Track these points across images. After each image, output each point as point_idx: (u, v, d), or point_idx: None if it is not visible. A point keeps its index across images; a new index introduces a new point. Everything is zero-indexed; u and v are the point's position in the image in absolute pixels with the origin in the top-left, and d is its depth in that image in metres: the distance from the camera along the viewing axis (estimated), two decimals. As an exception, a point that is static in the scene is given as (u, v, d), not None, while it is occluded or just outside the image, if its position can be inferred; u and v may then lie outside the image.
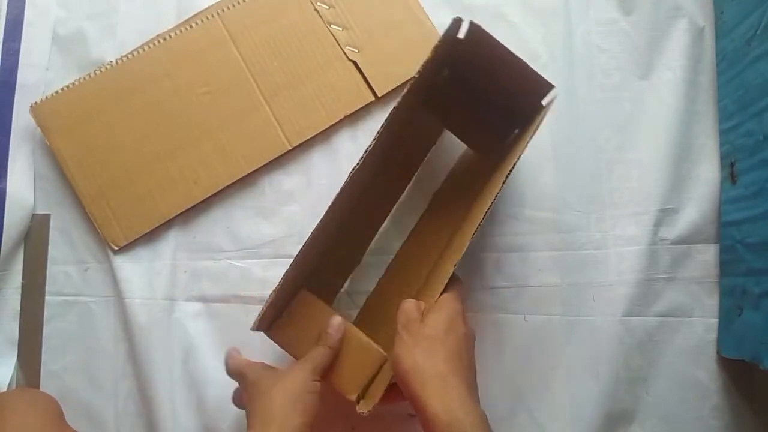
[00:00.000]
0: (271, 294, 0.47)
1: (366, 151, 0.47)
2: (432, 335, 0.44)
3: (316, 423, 0.58)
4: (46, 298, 0.61)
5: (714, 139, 0.60)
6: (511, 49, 0.63)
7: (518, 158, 0.47)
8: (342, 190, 0.48)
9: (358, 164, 0.47)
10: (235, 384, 0.51)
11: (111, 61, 0.62)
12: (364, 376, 0.49)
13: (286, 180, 0.62)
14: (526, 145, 0.48)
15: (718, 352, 0.57)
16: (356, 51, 0.63)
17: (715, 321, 0.58)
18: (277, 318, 0.51)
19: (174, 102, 0.62)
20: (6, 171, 0.62)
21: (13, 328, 0.61)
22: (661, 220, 0.59)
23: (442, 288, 0.47)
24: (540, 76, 0.50)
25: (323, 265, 0.58)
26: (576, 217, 0.60)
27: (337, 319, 0.49)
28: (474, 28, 0.50)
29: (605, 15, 0.63)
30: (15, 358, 0.60)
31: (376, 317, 0.58)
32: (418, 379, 0.42)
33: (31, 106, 0.62)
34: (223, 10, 0.63)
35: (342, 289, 0.60)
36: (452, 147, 0.62)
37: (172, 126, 0.62)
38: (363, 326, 0.52)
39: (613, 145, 0.61)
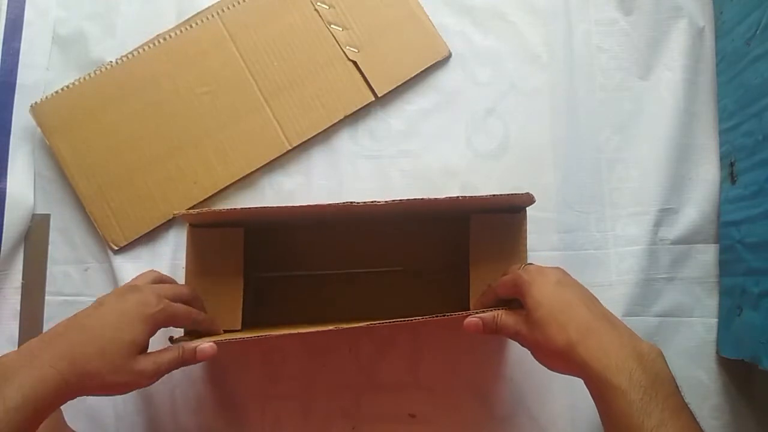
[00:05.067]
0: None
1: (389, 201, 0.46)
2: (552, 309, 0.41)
3: (316, 422, 0.58)
4: (46, 298, 0.61)
5: (714, 139, 0.60)
6: (511, 49, 0.64)
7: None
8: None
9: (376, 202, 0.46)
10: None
11: (111, 61, 0.62)
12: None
13: (286, 180, 0.62)
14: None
15: (717, 352, 0.57)
16: (356, 51, 0.63)
17: (715, 321, 0.58)
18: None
19: (174, 102, 0.62)
20: (6, 171, 0.62)
21: (13, 328, 0.61)
22: (661, 220, 0.59)
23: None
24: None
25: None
26: (576, 217, 0.60)
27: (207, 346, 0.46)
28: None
29: (605, 15, 0.63)
30: (15, 358, 0.60)
31: None
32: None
33: (31, 106, 0.62)
34: (223, 10, 0.63)
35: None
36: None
37: (172, 126, 0.62)
38: None
39: (613, 145, 0.61)
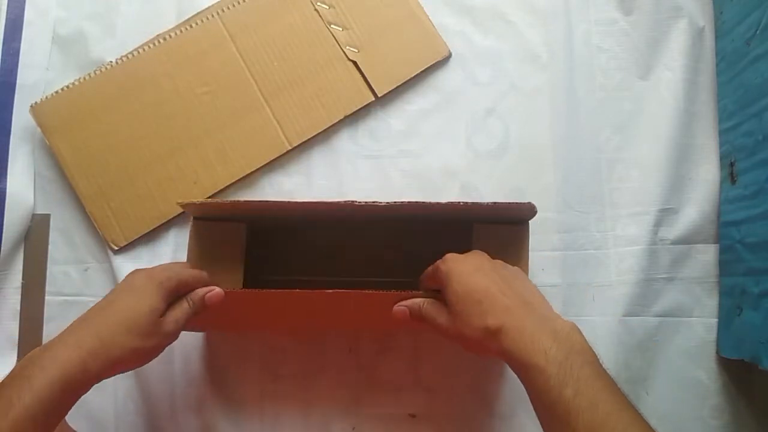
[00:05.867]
0: None
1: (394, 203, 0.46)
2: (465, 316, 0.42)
3: (316, 422, 0.58)
4: (46, 298, 0.61)
5: (714, 139, 0.60)
6: (511, 49, 0.64)
7: None
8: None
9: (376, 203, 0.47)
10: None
11: (111, 61, 0.62)
12: None
13: (286, 180, 0.62)
14: None
15: (717, 352, 0.57)
16: (356, 51, 0.63)
17: (715, 321, 0.58)
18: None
19: (174, 102, 0.62)
20: (6, 171, 0.62)
21: (13, 328, 0.61)
22: (661, 220, 0.59)
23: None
24: None
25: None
26: (576, 217, 0.60)
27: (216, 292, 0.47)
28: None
29: (605, 15, 0.63)
30: (15, 358, 0.60)
31: None
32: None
33: (31, 106, 0.62)
34: (223, 10, 0.63)
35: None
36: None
37: (172, 126, 0.62)
38: None
39: (613, 145, 0.61)
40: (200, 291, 0.47)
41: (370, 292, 0.46)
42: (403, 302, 0.46)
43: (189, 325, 0.46)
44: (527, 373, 0.37)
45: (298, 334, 0.58)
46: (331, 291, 0.45)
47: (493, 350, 0.40)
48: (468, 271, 0.43)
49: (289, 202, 0.49)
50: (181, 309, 0.45)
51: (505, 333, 0.39)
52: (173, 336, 0.45)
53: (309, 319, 0.52)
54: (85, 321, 0.43)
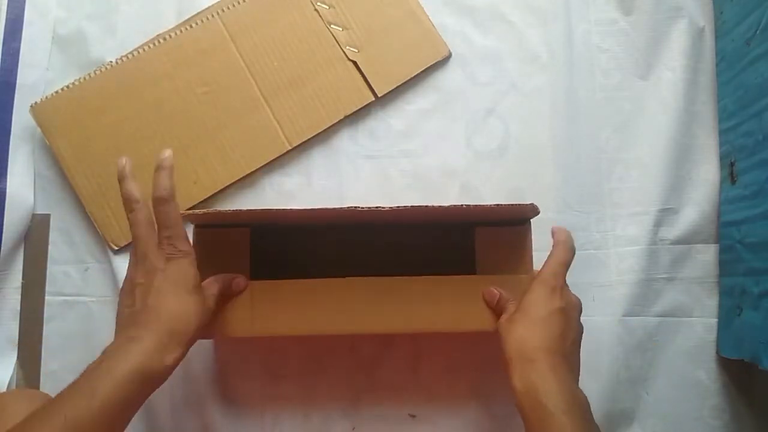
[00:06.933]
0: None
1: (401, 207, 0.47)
2: (529, 318, 0.45)
3: (316, 422, 0.58)
4: (46, 298, 0.61)
5: (714, 139, 0.60)
6: (511, 49, 0.64)
7: None
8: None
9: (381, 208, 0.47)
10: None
11: (111, 61, 0.63)
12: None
13: (286, 180, 0.62)
14: None
15: (717, 352, 0.57)
16: (356, 51, 0.63)
17: (715, 321, 0.58)
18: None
19: (174, 102, 0.62)
20: (6, 171, 0.62)
21: (13, 328, 0.61)
22: (661, 220, 0.59)
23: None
24: None
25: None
26: (576, 217, 0.60)
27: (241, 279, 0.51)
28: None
29: (605, 15, 0.63)
30: (15, 358, 0.60)
31: None
32: (518, 357, 0.44)
33: (31, 106, 0.62)
34: (223, 10, 0.63)
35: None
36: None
37: (172, 126, 0.62)
38: None
39: (613, 145, 0.61)
40: (228, 276, 0.50)
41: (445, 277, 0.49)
42: (503, 293, 0.49)
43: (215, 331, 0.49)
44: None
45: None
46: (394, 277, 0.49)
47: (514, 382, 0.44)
48: (524, 338, 0.46)
49: (290, 210, 0.48)
50: (212, 284, 0.48)
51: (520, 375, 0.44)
52: (212, 306, 0.47)
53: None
54: (138, 313, 0.44)
